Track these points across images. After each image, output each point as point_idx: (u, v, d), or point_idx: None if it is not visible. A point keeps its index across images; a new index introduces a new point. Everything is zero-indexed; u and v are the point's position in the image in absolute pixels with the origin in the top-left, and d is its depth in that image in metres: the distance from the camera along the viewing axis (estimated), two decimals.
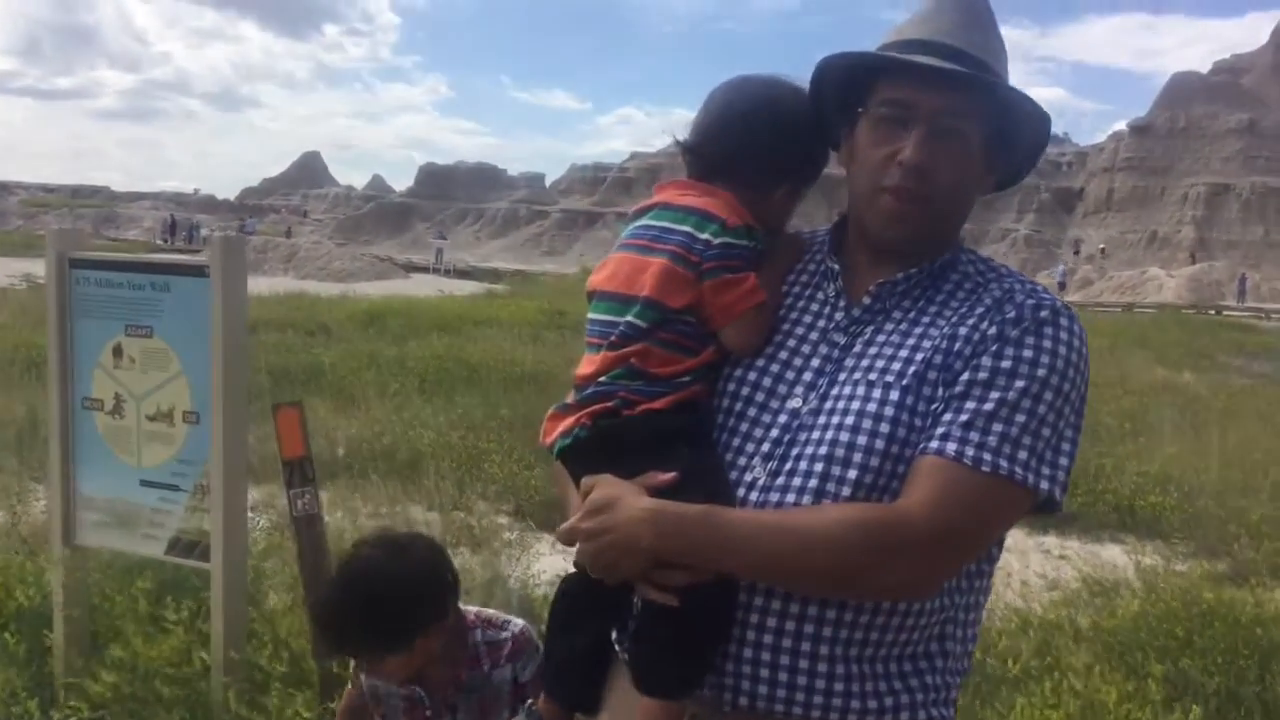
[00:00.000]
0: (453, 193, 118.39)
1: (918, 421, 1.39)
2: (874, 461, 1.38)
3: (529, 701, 1.66)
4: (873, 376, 1.44)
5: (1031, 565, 6.33)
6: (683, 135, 1.64)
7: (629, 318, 1.51)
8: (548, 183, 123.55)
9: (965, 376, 1.39)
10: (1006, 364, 1.38)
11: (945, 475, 1.34)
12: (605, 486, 1.42)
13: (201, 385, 3.25)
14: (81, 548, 3.56)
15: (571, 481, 1.54)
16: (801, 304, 1.57)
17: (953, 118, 1.44)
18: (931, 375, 1.41)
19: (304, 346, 13.25)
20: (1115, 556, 6.55)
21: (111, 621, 3.58)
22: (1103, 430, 9.50)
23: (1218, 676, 3.93)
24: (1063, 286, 52.84)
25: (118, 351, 3.38)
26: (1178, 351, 20.15)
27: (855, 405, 1.42)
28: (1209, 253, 70.03)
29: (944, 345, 1.43)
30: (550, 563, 5.44)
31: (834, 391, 1.45)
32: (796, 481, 1.41)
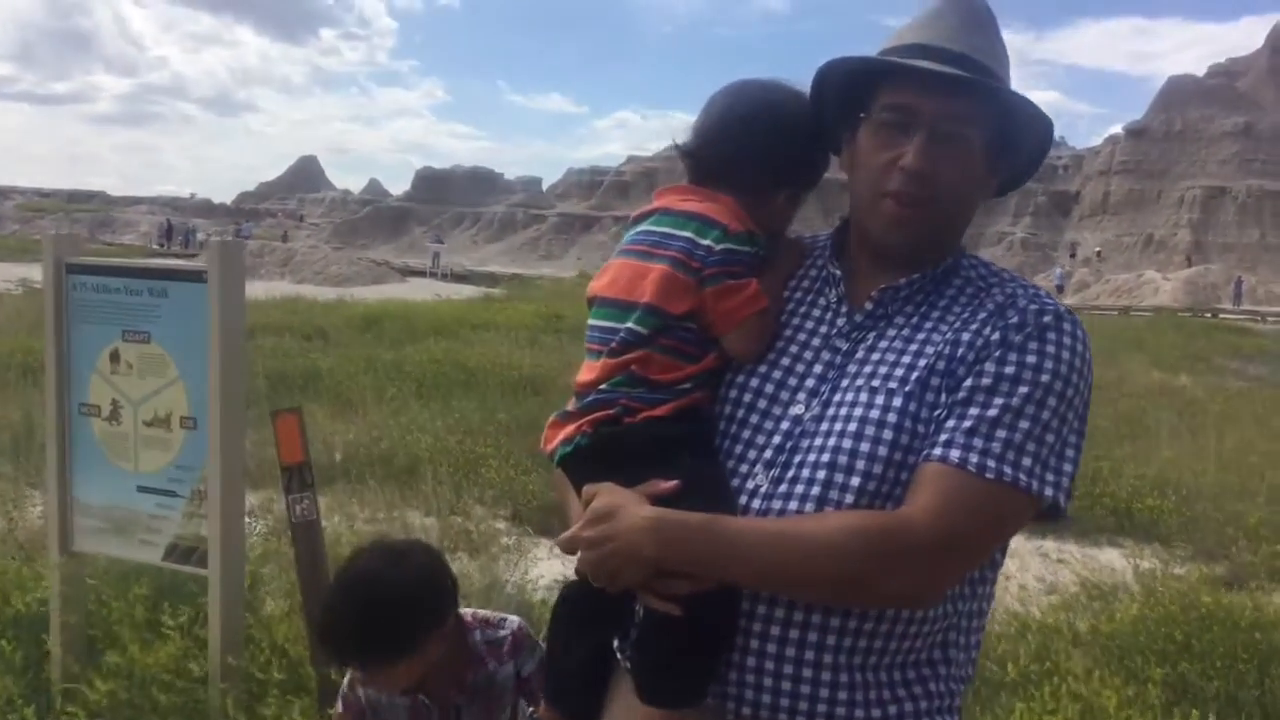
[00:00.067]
0: (449, 197, 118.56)
1: (921, 428, 1.39)
2: (877, 468, 1.37)
3: (530, 710, 1.65)
4: (875, 383, 1.43)
5: (1029, 569, 6.33)
6: (683, 140, 1.63)
7: (630, 324, 1.50)
8: (544, 186, 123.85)
9: (968, 382, 1.38)
10: (1010, 370, 1.38)
11: (949, 482, 1.33)
12: (607, 495, 1.41)
13: (199, 390, 3.23)
14: (78, 554, 3.54)
15: (572, 489, 1.53)
16: (803, 310, 1.56)
17: (955, 122, 1.43)
18: (934, 381, 1.41)
19: (301, 351, 13.22)
20: (1113, 560, 6.55)
21: (109, 628, 3.57)
22: (1100, 433, 9.50)
23: (1217, 681, 3.92)
24: (1061, 290, 52.92)
25: (115, 357, 3.37)
26: (1174, 354, 20.18)
27: (858, 412, 1.41)
28: (1205, 256, 70.24)
29: (947, 351, 1.42)
30: (548, 567, 5.43)
31: (836, 398, 1.44)
32: (799, 489, 1.40)
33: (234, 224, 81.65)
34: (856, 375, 1.45)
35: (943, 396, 1.40)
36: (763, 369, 1.52)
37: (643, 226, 1.59)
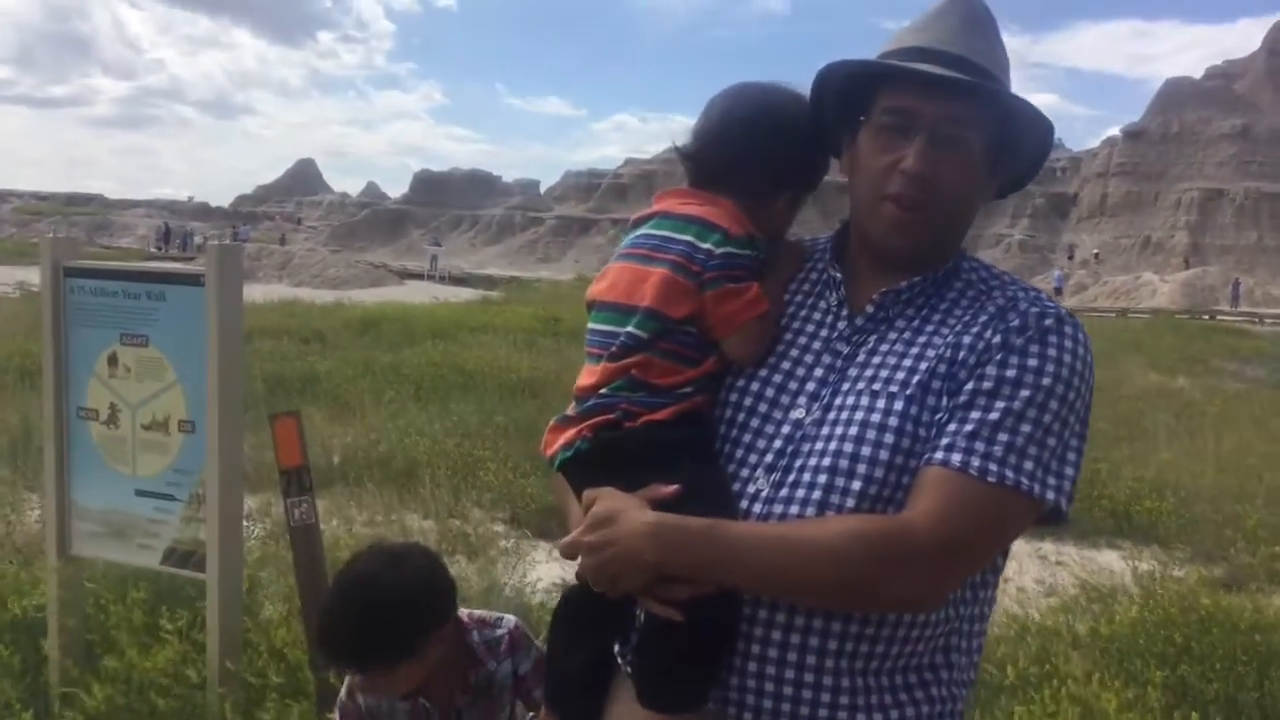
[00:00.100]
0: (447, 199, 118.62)
1: (922, 432, 1.38)
2: (878, 472, 1.37)
3: (530, 716, 1.65)
4: (876, 386, 1.42)
5: (1028, 571, 6.33)
6: (682, 143, 1.63)
7: (629, 328, 1.50)
8: (542, 189, 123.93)
9: (970, 386, 1.38)
10: (1011, 373, 1.37)
11: (950, 486, 1.33)
12: (607, 500, 1.41)
13: (197, 394, 3.23)
14: (76, 558, 3.54)
15: (573, 494, 1.53)
16: (804, 313, 1.56)
17: (955, 125, 1.43)
18: (935, 385, 1.40)
19: (299, 354, 13.20)
20: (1112, 562, 6.55)
21: (107, 632, 3.56)
22: (1098, 435, 9.50)
23: (1217, 683, 3.92)
24: (1060, 292, 52.96)
25: (113, 360, 3.36)
26: (1172, 356, 20.19)
27: (859, 415, 1.40)
28: (1203, 258, 70.32)
29: (948, 354, 1.42)
30: (546, 570, 5.42)
31: (837, 402, 1.44)
32: (800, 493, 1.39)
33: (231, 227, 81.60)
34: (857, 379, 1.45)
35: (944, 400, 1.39)
36: (763, 373, 1.51)
37: (642, 230, 1.59)
